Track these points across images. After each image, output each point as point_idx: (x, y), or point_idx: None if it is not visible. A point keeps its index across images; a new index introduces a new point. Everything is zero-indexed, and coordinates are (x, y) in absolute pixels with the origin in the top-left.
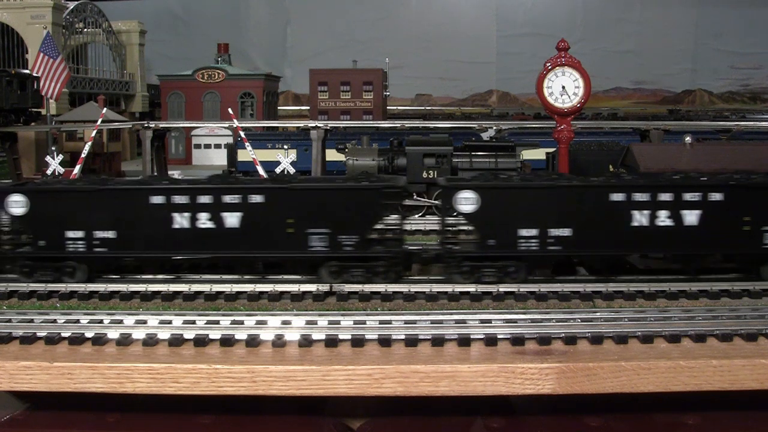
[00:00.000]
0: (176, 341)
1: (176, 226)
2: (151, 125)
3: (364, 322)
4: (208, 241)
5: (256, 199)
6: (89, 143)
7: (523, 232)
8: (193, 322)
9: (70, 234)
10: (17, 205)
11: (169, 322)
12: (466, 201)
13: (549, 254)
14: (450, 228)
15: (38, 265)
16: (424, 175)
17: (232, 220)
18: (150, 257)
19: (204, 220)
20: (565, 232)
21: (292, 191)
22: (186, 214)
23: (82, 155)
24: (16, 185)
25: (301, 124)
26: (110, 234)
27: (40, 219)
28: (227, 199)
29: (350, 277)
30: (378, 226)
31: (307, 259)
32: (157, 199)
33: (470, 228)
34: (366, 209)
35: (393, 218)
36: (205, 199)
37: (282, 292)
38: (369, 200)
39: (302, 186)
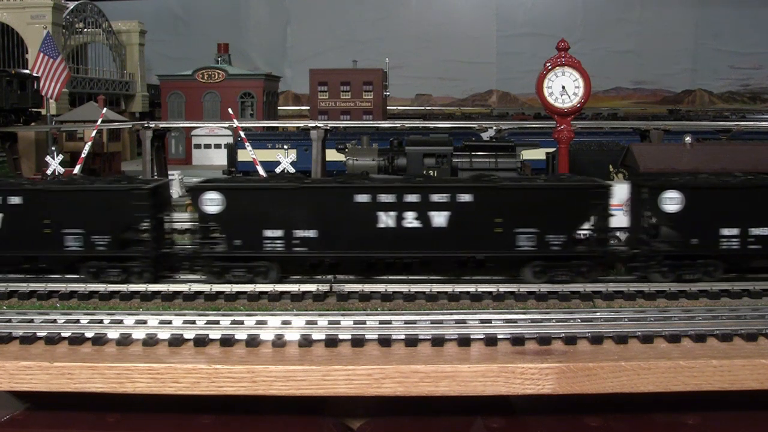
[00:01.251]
0: (176, 341)
1: (381, 225)
2: (151, 125)
3: (364, 322)
4: (414, 240)
5: (465, 198)
6: (89, 143)
7: (725, 231)
8: (193, 322)
9: (269, 233)
10: (213, 203)
11: (169, 322)
12: (671, 201)
13: (750, 253)
14: (648, 227)
15: (231, 266)
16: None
17: (439, 219)
18: (353, 257)
19: (410, 219)
20: (766, 231)
21: (502, 191)
22: (392, 213)
23: (82, 155)
24: (211, 182)
25: (301, 124)
26: (311, 233)
27: (236, 217)
28: (435, 198)
29: (554, 276)
30: (584, 226)
31: (514, 259)
32: (363, 198)
33: (669, 227)
34: (575, 209)
35: (597, 218)
36: (412, 198)
37: (282, 292)
38: (578, 200)
39: (512, 185)
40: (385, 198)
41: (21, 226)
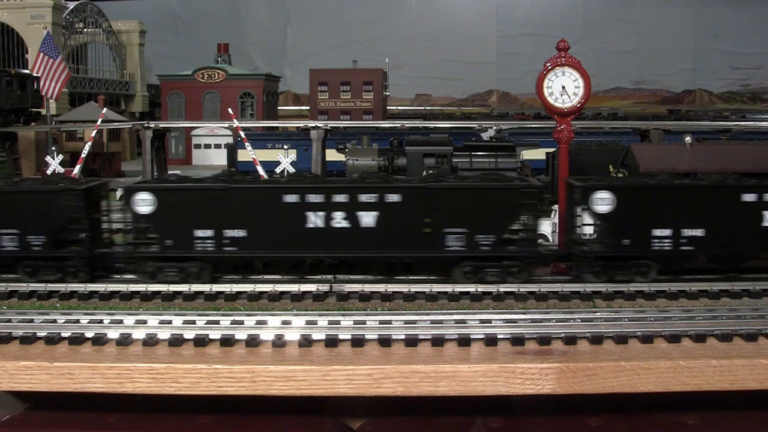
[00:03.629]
0: (176, 341)
1: (766, 223)
2: (151, 125)
3: (364, 322)
4: None
5: None
6: (89, 143)
7: None
8: (193, 322)
9: (657, 232)
10: (603, 202)
11: (169, 322)
12: None
13: None
14: None
15: (614, 264)
16: (424, 175)
17: None
18: (740, 254)
19: None
20: None
21: None
22: None
23: (82, 155)
24: (600, 181)
25: (301, 124)
26: (699, 232)
27: (626, 216)
28: None
29: None
30: None
31: None
32: (750, 197)
33: None
34: None
35: None
36: None
37: (282, 292)
38: None
39: None
40: None
41: (399, 225)
